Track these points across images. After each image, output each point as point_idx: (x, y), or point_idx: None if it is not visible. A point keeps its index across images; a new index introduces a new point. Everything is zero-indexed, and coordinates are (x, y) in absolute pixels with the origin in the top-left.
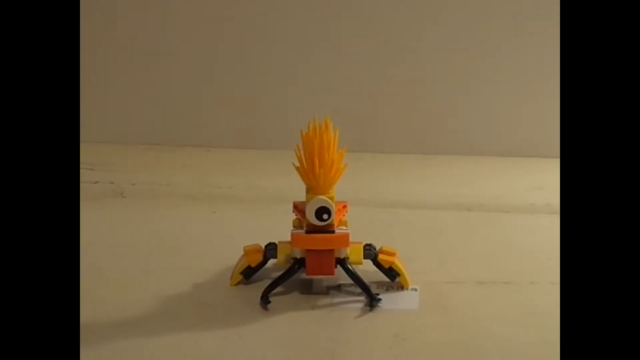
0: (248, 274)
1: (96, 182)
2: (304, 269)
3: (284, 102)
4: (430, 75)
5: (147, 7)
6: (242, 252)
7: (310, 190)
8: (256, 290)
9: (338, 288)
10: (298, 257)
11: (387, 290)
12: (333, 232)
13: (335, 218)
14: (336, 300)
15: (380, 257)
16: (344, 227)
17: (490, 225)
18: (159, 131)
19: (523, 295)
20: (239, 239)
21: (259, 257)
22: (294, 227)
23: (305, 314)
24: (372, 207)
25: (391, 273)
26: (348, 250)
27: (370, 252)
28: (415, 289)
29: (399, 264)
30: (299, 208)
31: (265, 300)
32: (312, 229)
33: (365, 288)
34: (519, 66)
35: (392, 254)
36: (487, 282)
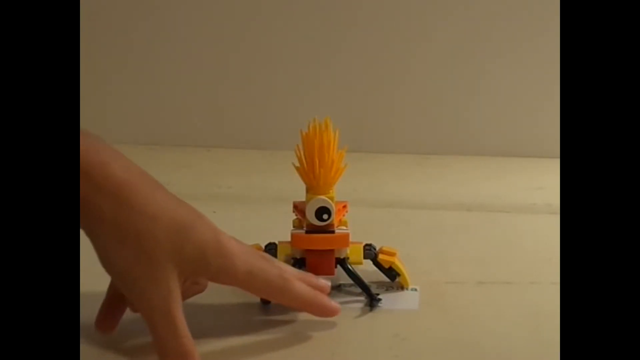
0: None
1: None
2: (304, 269)
3: (284, 102)
4: (431, 75)
5: (147, 7)
6: None
7: (310, 190)
8: None
9: (338, 288)
10: (298, 257)
11: (387, 290)
12: (333, 232)
13: (335, 218)
14: (336, 300)
15: (380, 257)
16: (344, 227)
17: (490, 225)
18: (159, 131)
19: (523, 295)
20: (239, 239)
21: None
22: (294, 227)
23: (305, 314)
24: (372, 207)
25: (391, 273)
26: (348, 250)
27: (370, 252)
28: (415, 289)
29: (399, 264)
30: (299, 208)
31: (265, 300)
32: (312, 229)
33: (365, 288)
34: (518, 66)
35: (392, 254)
36: (487, 282)
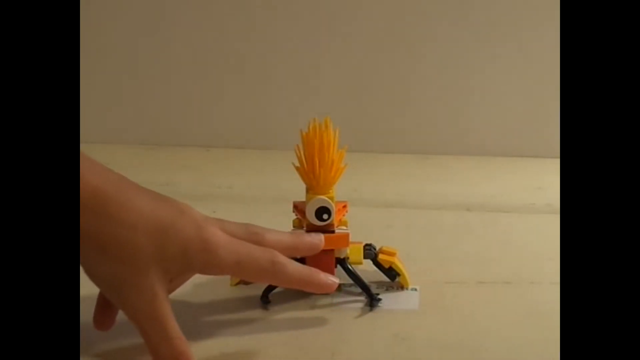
0: None
1: None
2: None
3: (284, 102)
4: (430, 75)
5: (146, 7)
6: None
7: (310, 190)
8: (256, 290)
9: (338, 288)
10: (298, 257)
11: (387, 290)
12: (333, 232)
13: (335, 218)
14: (336, 300)
15: (380, 257)
16: (344, 227)
17: (490, 225)
18: (159, 131)
19: (523, 295)
20: None
21: None
22: (294, 227)
23: (305, 314)
24: (372, 207)
25: (391, 273)
26: (348, 250)
27: (370, 252)
28: (415, 289)
29: (399, 264)
30: (299, 208)
31: (265, 300)
32: (312, 229)
33: (365, 288)
34: (518, 66)
35: (392, 254)
36: (487, 282)
